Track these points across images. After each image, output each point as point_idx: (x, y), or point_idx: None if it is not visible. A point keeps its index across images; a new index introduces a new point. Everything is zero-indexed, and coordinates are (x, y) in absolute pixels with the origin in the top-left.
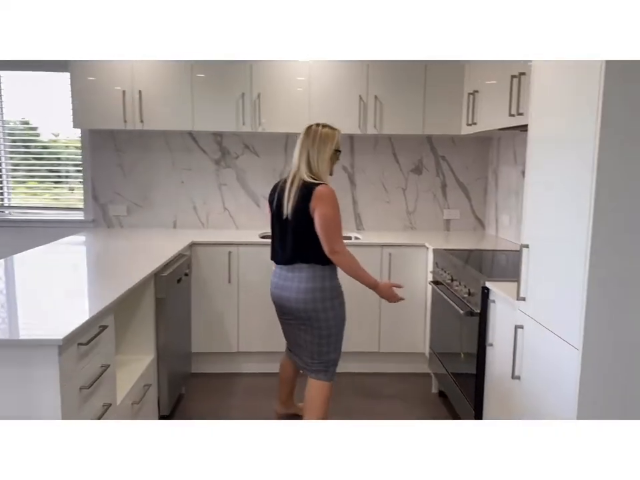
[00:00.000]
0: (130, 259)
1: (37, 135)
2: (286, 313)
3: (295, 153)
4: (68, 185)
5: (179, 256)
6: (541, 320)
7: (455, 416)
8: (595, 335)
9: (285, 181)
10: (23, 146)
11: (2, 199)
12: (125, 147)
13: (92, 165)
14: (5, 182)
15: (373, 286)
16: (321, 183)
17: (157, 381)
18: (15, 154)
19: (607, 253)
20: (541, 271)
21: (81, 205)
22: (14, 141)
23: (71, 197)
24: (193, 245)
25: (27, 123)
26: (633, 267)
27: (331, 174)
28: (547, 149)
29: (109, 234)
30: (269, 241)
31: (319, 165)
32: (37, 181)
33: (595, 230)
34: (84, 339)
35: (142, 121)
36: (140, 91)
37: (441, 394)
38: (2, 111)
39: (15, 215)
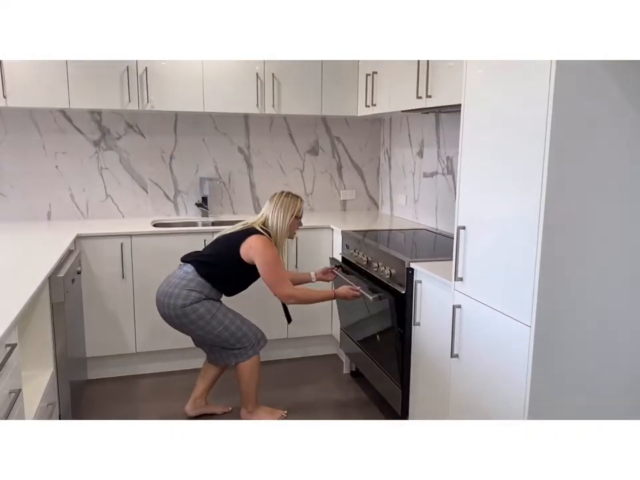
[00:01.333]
0: (7, 259)
1: None
2: None
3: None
4: None
5: (68, 252)
6: (483, 299)
7: (373, 393)
8: (546, 311)
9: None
10: None
11: None
12: None
13: None
14: None
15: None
16: (264, 233)
17: (57, 396)
18: None
19: (558, 232)
20: (481, 251)
21: None
22: None
23: None
24: (77, 239)
25: None
26: (583, 244)
27: (291, 237)
28: (488, 133)
29: None
30: (165, 229)
31: (278, 230)
32: None
33: (547, 210)
34: None
35: (5, 97)
36: (1, 61)
37: (353, 374)
38: None
39: None
